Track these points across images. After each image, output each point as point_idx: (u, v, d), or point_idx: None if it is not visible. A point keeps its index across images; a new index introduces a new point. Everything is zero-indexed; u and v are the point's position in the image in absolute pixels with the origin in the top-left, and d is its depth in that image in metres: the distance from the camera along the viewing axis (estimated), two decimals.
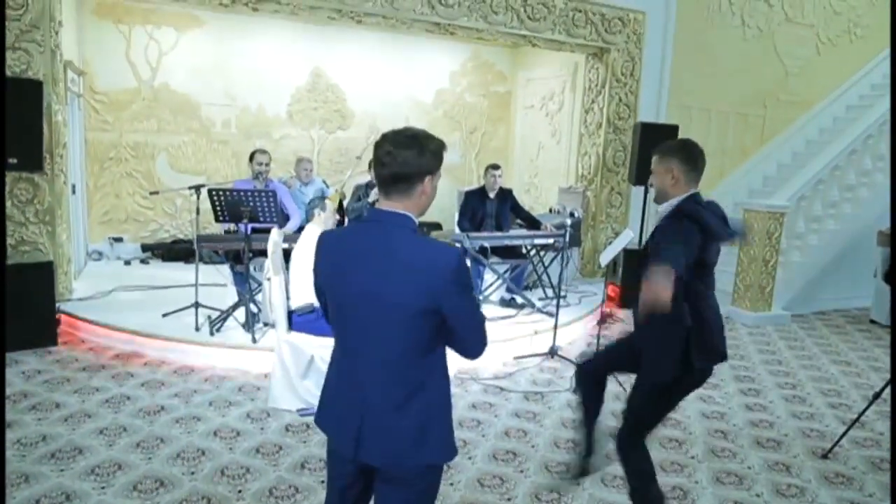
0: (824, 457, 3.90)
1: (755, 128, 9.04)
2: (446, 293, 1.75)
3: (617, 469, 3.59)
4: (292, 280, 4.37)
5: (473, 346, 1.88)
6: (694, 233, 2.48)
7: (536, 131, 9.58)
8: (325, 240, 1.93)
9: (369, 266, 1.77)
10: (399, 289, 1.74)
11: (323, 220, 4.28)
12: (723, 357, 2.76)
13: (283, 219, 5.71)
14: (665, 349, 2.61)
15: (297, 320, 4.24)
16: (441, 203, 9.55)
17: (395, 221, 1.81)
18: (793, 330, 6.84)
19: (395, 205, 1.81)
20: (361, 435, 1.82)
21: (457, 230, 6.66)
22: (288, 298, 4.36)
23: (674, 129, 7.27)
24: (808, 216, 7.55)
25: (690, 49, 8.15)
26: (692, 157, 2.63)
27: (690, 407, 4.58)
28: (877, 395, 3.96)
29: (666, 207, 2.67)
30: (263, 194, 5.21)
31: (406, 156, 1.76)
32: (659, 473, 3.45)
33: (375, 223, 1.84)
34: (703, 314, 2.61)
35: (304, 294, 4.17)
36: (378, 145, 1.79)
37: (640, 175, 7.16)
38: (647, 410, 2.79)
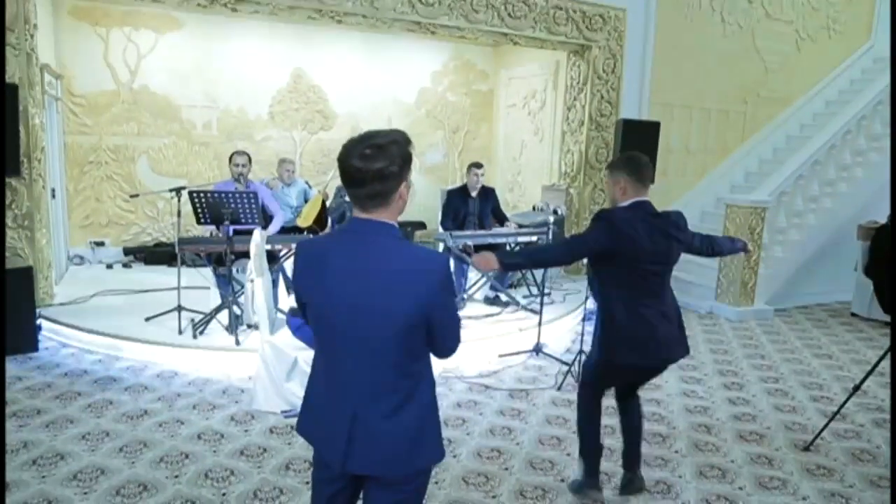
0: (806, 449, 3.94)
1: (736, 124, 9.11)
2: (436, 302, 1.75)
3: (602, 465, 3.62)
4: None
5: (451, 347, 1.88)
6: (601, 232, 2.86)
7: (519, 129, 9.60)
8: (304, 250, 1.87)
9: (356, 277, 1.73)
10: (389, 299, 1.72)
11: None
12: (654, 364, 3.08)
13: (266, 220, 5.68)
14: (596, 332, 3.06)
15: (292, 322, 4.20)
16: (425, 202, 9.57)
17: (380, 231, 1.76)
18: (775, 324, 6.91)
19: (373, 215, 1.76)
20: (351, 446, 1.79)
21: (440, 229, 6.67)
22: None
23: (655, 126, 7.31)
24: (789, 211, 7.63)
25: (671, 46, 8.21)
26: (637, 169, 2.93)
27: (674, 402, 4.62)
28: (856, 388, 4.01)
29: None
30: (244, 195, 5.17)
31: (378, 169, 1.68)
32: (643, 468, 3.49)
33: (358, 233, 1.78)
34: (616, 316, 2.92)
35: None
36: (344, 160, 1.71)
37: None
38: (589, 372, 3.22)
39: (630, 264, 2.86)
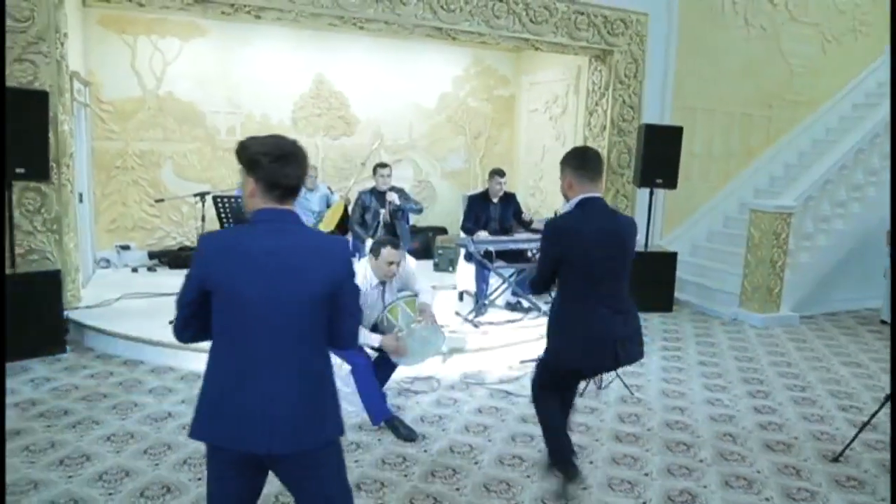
0: (835, 460, 3.86)
1: (761, 128, 9.00)
2: (345, 277, 1.98)
3: (624, 473, 3.59)
4: None
5: (347, 332, 2.05)
6: (548, 243, 2.91)
7: (540, 135, 9.58)
8: (211, 243, 1.97)
9: (268, 265, 1.87)
10: (302, 279, 1.89)
11: (374, 269, 4.18)
12: (603, 365, 3.08)
13: None
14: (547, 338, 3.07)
15: None
16: (447, 208, 9.59)
17: (287, 219, 1.96)
18: (802, 331, 6.80)
19: (281, 204, 1.96)
20: (274, 429, 1.88)
21: (461, 234, 6.67)
22: None
23: (678, 131, 7.26)
24: (815, 216, 7.51)
25: (694, 50, 8.14)
26: (582, 163, 2.90)
27: (698, 410, 4.56)
28: (888, 397, 3.92)
29: (564, 209, 3.03)
30: None
31: (304, 169, 1.99)
32: (667, 477, 3.45)
33: (267, 223, 1.94)
34: (562, 317, 2.96)
35: None
36: (285, 161, 1.92)
37: (646, 177, 7.15)
38: (539, 372, 3.25)
39: (578, 264, 2.85)
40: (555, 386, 3.22)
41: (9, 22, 5.11)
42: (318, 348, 1.98)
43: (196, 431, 1.97)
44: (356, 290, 2.10)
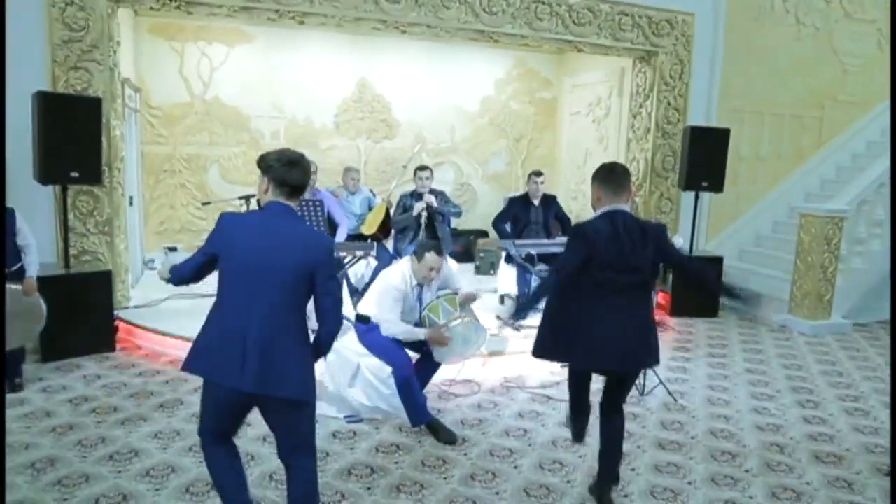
0: (890, 474, 3.71)
1: (812, 130, 8.75)
2: (322, 264, 2.47)
3: (667, 481, 3.52)
4: (369, 290, 4.38)
5: (328, 307, 2.54)
6: (575, 243, 3.02)
7: (583, 137, 9.48)
8: (229, 218, 2.54)
9: (268, 241, 2.43)
10: (286, 255, 2.41)
11: (414, 271, 4.24)
12: (611, 365, 3.09)
13: (332, 227, 5.78)
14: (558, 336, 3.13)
15: (360, 328, 4.26)
16: (488, 211, 9.54)
17: (289, 211, 2.52)
18: (854, 339, 6.57)
19: (287, 201, 2.52)
20: (264, 371, 2.38)
21: (496, 235, 6.64)
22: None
23: (725, 133, 7.11)
24: (869, 221, 7.26)
25: (742, 50, 7.96)
26: (608, 179, 3.09)
27: (744, 418, 4.45)
28: None
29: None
30: (311, 204, 5.29)
31: (307, 174, 2.57)
32: (711, 487, 3.37)
33: (273, 212, 2.50)
34: (572, 318, 3.04)
35: (368, 307, 4.21)
36: (291, 165, 2.50)
37: (691, 180, 7.02)
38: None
39: (594, 269, 2.94)
40: (575, 383, 3.43)
41: (65, 32, 5.31)
42: (292, 313, 2.47)
43: (189, 365, 2.51)
44: (334, 275, 2.58)
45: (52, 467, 3.44)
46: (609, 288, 2.97)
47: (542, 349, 3.18)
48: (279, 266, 2.39)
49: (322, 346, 2.59)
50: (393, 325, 4.02)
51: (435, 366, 4.23)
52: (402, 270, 4.10)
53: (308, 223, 5.26)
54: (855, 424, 4.43)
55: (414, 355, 4.13)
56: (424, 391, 4.21)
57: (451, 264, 4.82)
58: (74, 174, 5.05)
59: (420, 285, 4.14)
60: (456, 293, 4.27)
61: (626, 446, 3.92)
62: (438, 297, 4.17)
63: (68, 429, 3.91)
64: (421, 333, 4.00)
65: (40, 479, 3.31)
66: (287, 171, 2.47)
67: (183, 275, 2.65)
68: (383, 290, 4.11)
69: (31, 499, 3.13)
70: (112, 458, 3.57)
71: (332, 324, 2.56)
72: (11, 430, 3.85)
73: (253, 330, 2.39)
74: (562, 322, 3.09)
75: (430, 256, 3.98)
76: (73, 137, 4.93)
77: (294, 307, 2.47)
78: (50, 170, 4.94)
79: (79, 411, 4.17)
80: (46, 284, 4.60)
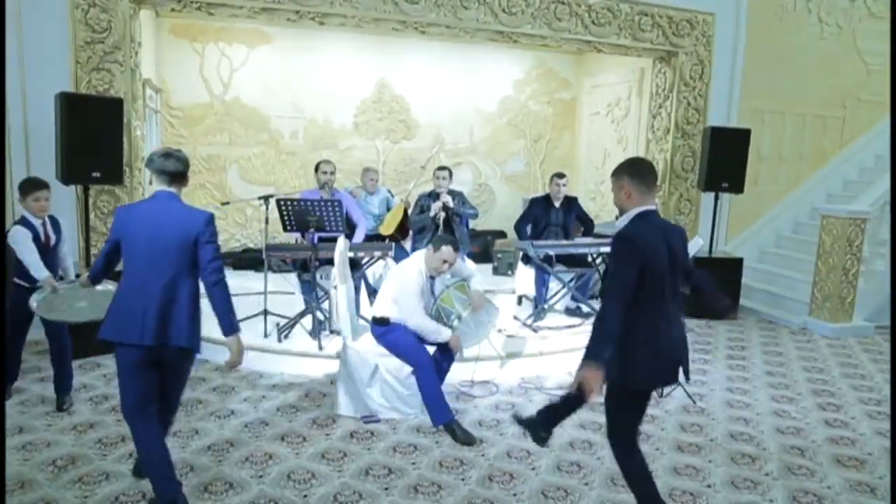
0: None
1: (834, 130, 8.63)
2: (202, 233, 2.92)
3: (686, 484, 3.49)
4: (382, 290, 4.39)
5: (207, 258, 2.93)
6: (629, 255, 2.63)
7: (602, 138, 9.44)
8: (122, 211, 3.05)
9: (158, 221, 2.91)
10: (171, 231, 2.89)
11: (427, 261, 4.27)
12: (665, 382, 2.95)
13: (350, 228, 5.80)
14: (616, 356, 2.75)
15: (377, 330, 4.28)
16: (505, 212, 9.54)
17: (171, 197, 2.98)
18: (877, 342, 6.48)
19: (168, 187, 2.98)
20: (160, 327, 2.86)
21: (515, 235, 6.63)
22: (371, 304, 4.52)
23: (746, 133, 7.05)
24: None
25: (763, 50, 7.88)
26: (640, 171, 2.79)
27: (764, 421, 4.40)
28: None
29: (622, 222, 2.81)
30: (329, 204, 5.30)
31: (182, 163, 3.02)
32: (731, 490, 3.34)
33: (158, 199, 2.97)
34: (632, 338, 2.70)
35: (386, 307, 4.24)
36: (167, 157, 2.97)
37: (711, 181, 6.96)
38: (612, 406, 2.92)
39: (648, 279, 2.65)
40: (631, 413, 2.92)
41: (88, 33, 5.38)
42: (182, 279, 2.92)
43: (103, 332, 2.91)
44: (212, 240, 2.95)
45: (73, 465, 3.48)
46: (663, 297, 2.72)
47: (642, 381, 2.82)
48: (166, 242, 2.88)
49: (216, 302, 2.97)
50: (420, 321, 4.09)
51: (452, 356, 4.29)
52: (416, 264, 4.15)
53: (327, 223, 5.29)
54: (878, 428, 4.36)
55: (430, 348, 4.18)
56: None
57: (469, 265, 4.83)
58: (96, 174, 5.11)
59: (432, 277, 4.19)
60: (464, 280, 4.34)
61: (644, 448, 3.90)
62: (448, 287, 4.23)
63: (89, 427, 3.95)
64: (446, 336, 4.10)
65: (61, 477, 3.35)
66: (163, 161, 2.94)
67: (97, 267, 3.21)
68: (402, 285, 4.14)
69: (52, 496, 3.17)
70: (132, 456, 3.59)
71: (211, 274, 2.94)
72: (33, 427, 3.91)
73: (151, 298, 2.85)
74: (635, 345, 2.72)
75: (447, 249, 4.04)
76: (94, 138, 4.99)
77: (184, 274, 2.93)
78: (72, 170, 5.00)
79: (99, 409, 4.22)
80: None
